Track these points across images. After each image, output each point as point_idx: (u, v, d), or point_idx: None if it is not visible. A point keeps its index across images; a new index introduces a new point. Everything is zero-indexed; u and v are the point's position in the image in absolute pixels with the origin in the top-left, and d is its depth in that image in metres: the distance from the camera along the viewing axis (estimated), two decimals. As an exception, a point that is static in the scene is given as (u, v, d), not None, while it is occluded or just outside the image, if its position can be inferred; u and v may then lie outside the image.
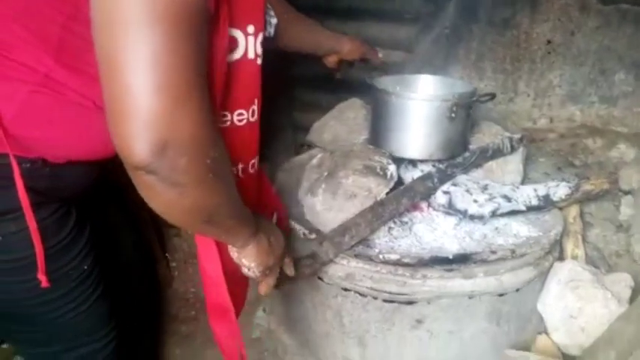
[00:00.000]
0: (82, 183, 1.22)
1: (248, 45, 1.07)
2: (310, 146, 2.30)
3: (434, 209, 1.81)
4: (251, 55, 1.08)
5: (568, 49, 2.38)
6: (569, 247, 1.86)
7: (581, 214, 1.96)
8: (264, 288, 1.29)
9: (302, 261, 1.53)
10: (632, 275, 1.76)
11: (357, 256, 1.60)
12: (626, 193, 2.03)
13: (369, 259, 1.59)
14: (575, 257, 1.84)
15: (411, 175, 1.85)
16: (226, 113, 1.12)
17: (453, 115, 1.77)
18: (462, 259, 1.58)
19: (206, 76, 0.86)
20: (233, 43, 1.04)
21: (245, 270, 1.20)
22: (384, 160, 1.80)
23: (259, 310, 2.20)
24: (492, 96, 1.86)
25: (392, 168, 1.78)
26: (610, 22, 2.30)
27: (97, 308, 1.34)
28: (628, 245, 1.89)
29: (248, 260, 1.17)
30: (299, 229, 1.69)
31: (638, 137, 2.31)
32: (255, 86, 1.15)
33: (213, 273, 1.19)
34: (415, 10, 2.52)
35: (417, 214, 1.80)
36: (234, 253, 1.17)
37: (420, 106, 1.79)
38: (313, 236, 1.65)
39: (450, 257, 1.57)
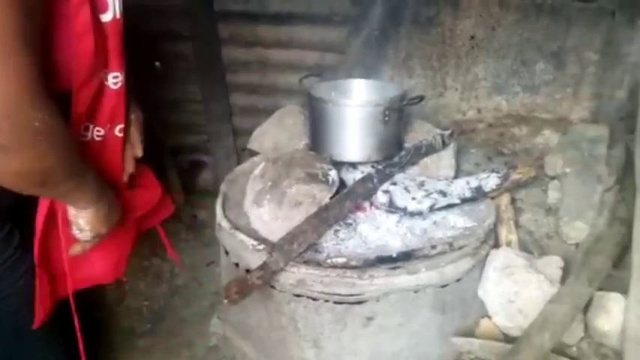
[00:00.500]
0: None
1: (116, 5, 1.07)
2: (252, 150, 2.32)
3: (376, 208, 1.88)
4: (118, 14, 1.08)
5: (490, 43, 2.49)
6: (503, 233, 1.97)
7: (513, 201, 2.07)
8: (78, 248, 1.25)
9: (253, 273, 1.57)
10: (562, 255, 1.87)
11: (306, 262, 1.65)
12: (552, 178, 2.16)
13: (318, 264, 1.64)
14: (509, 243, 1.94)
15: (352, 176, 1.93)
16: (108, 77, 1.12)
17: (387, 118, 1.85)
18: (405, 257, 1.66)
19: (37, 36, 0.85)
20: (104, 6, 1.04)
21: (76, 231, 1.19)
22: (325, 167, 1.86)
23: (214, 318, 2.22)
24: (421, 98, 1.95)
25: (333, 173, 1.85)
26: (528, 15, 2.42)
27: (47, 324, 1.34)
28: (557, 227, 2.01)
29: (83, 222, 1.17)
30: (247, 240, 1.72)
31: (560, 122, 2.45)
32: (122, 44, 1.14)
33: (38, 223, 1.19)
34: (344, 13, 2.59)
35: (360, 214, 1.87)
36: (71, 210, 1.16)
37: (354, 112, 1.87)
38: (262, 247, 1.68)
39: (394, 256, 1.65)
